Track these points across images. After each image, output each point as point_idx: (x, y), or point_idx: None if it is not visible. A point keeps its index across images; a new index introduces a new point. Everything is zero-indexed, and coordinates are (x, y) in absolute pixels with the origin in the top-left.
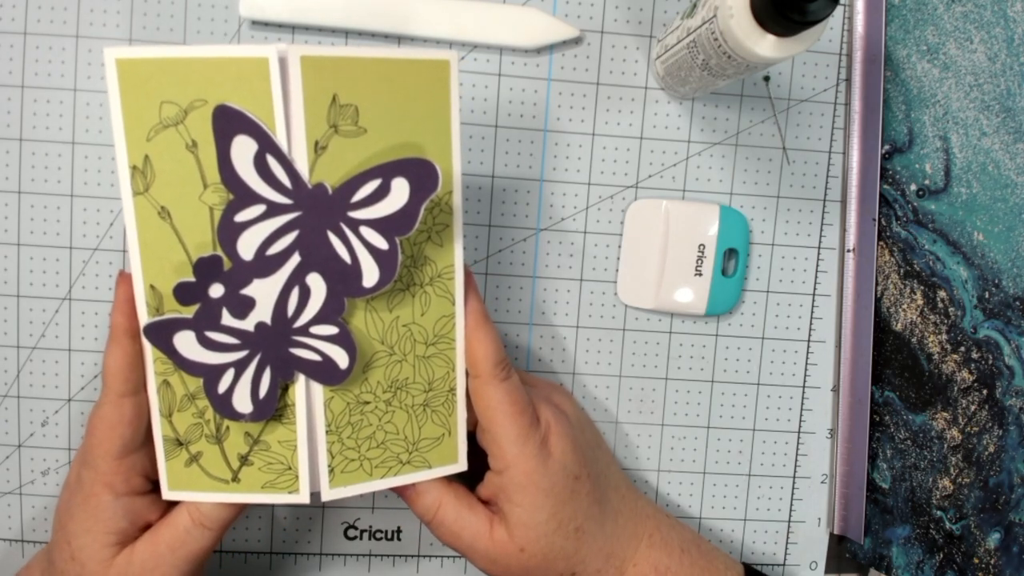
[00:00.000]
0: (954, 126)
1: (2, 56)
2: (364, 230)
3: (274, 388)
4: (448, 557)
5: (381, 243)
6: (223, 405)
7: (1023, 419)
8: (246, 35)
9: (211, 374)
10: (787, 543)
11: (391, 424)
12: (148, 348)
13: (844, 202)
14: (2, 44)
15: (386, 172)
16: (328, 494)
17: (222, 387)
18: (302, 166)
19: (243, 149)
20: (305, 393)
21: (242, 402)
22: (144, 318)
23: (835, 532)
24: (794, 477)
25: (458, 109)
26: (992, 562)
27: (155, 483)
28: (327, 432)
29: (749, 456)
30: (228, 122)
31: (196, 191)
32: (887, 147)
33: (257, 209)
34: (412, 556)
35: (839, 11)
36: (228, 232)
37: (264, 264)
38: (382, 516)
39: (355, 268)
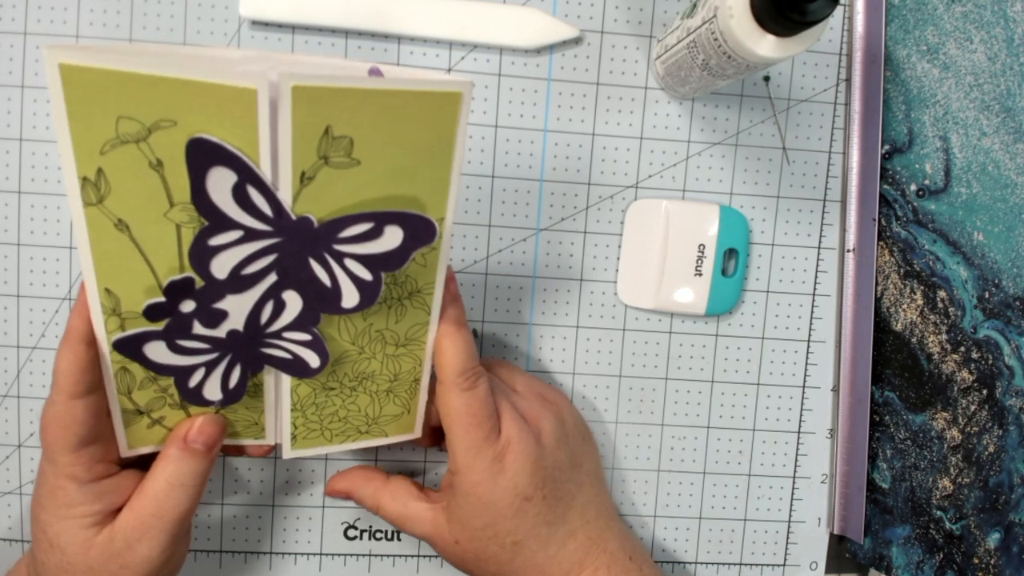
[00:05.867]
0: (954, 126)
1: (2, 56)
2: (349, 262)
3: (244, 379)
4: None
5: (365, 275)
6: (193, 397)
7: (1023, 419)
8: (246, 35)
9: (181, 374)
10: (787, 543)
11: (354, 405)
12: (101, 334)
13: (844, 202)
14: (2, 44)
15: (380, 218)
16: (288, 454)
17: (192, 383)
18: (286, 195)
19: (220, 180)
20: (274, 377)
21: (212, 392)
22: (99, 321)
23: (835, 532)
24: (794, 477)
25: (464, 140)
26: (992, 562)
27: (121, 463)
28: (292, 410)
29: (749, 456)
30: (204, 154)
31: (160, 208)
32: (887, 147)
33: (234, 234)
34: (412, 556)
35: (839, 11)
36: (201, 254)
37: (238, 282)
38: None
39: (335, 291)
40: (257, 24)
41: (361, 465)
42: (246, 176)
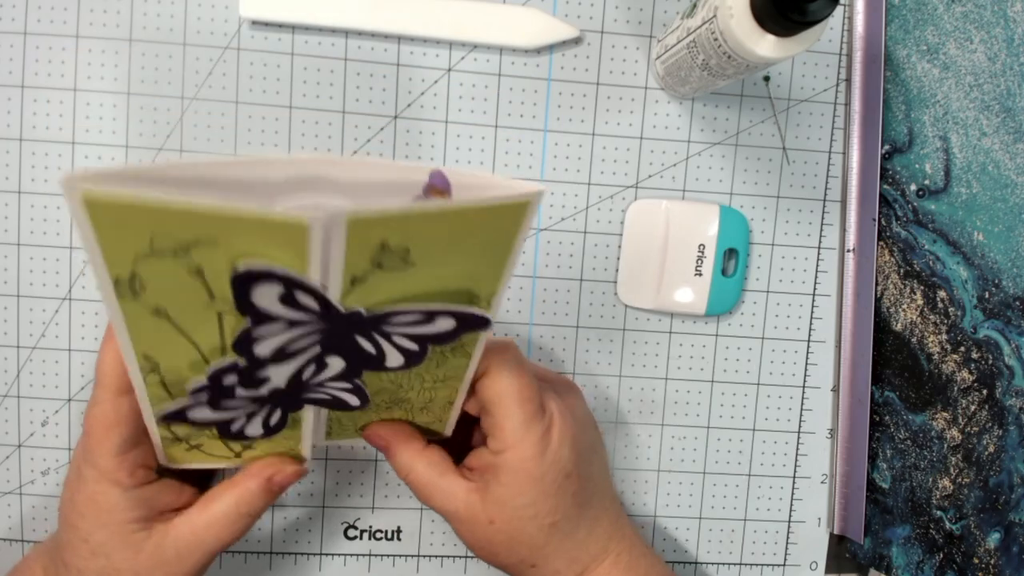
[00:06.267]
0: (954, 126)
1: (2, 56)
2: (397, 338)
3: (284, 418)
4: (448, 557)
5: (412, 347)
6: (235, 436)
7: (1023, 419)
8: (246, 35)
9: (223, 423)
10: (787, 543)
11: (388, 415)
12: (140, 380)
13: (844, 202)
14: (2, 44)
15: (431, 312)
16: (322, 443)
17: (235, 428)
18: (335, 294)
19: (267, 291)
20: (315, 414)
21: (254, 431)
22: (139, 380)
23: (835, 532)
24: (794, 477)
25: (524, 239)
26: (992, 562)
27: (162, 470)
28: (328, 419)
29: (749, 456)
30: (250, 279)
31: (201, 301)
32: (887, 147)
33: (279, 326)
34: (412, 556)
35: (839, 11)
36: (246, 344)
37: (282, 357)
38: (382, 516)
39: (379, 357)
40: (257, 24)
41: (402, 422)
42: (294, 286)
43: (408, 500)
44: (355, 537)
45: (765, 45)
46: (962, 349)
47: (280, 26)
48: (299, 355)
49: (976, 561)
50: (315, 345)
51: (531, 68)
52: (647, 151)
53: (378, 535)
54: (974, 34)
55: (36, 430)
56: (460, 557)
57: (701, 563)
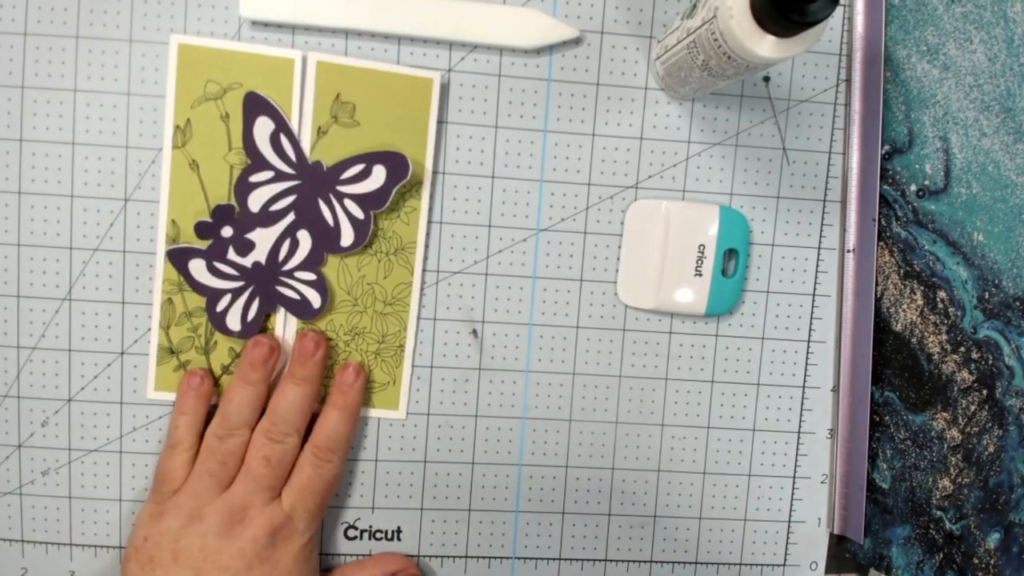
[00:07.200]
0: (954, 126)
1: (2, 56)
2: (347, 202)
3: (260, 315)
4: (448, 557)
5: (359, 213)
6: (218, 321)
7: (1023, 419)
8: (246, 35)
9: (212, 295)
10: (787, 543)
11: (344, 358)
12: (159, 270)
13: (844, 202)
14: (2, 44)
15: (370, 159)
16: None
17: (219, 307)
18: (306, 145)
19: (263, 127)
20: (283, 324)
21: (233, 322)
22: (162, 246)
23: (835, 532)
24: (794, 477)
25: (436, 115)
26: (992, 562)
27: None
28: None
29: (749, 456)
30: (255, 105)
31: (222, 152)
32: (887, 147)
33: (267, 174)
34: (412, 556)
35: (839, 11)
36: (243, 188)
37: (267, 217)
38: (382, 516)
39: (336, 230)
40: (257, 24)
41: None
42: (280, 126)
43: (408, 500)
44: (355, 537)
45: (765, 46)
46: (962, 349)
47: (280, 26)
48: (279, 221)
49: (976, 561)
50: (290, 212)
51: (531, 68)
52: (647, 151)
53: (378, 535)
54: (974, 34)
55: (36, 430)
56: (460, 557)
57: (701, 563)
